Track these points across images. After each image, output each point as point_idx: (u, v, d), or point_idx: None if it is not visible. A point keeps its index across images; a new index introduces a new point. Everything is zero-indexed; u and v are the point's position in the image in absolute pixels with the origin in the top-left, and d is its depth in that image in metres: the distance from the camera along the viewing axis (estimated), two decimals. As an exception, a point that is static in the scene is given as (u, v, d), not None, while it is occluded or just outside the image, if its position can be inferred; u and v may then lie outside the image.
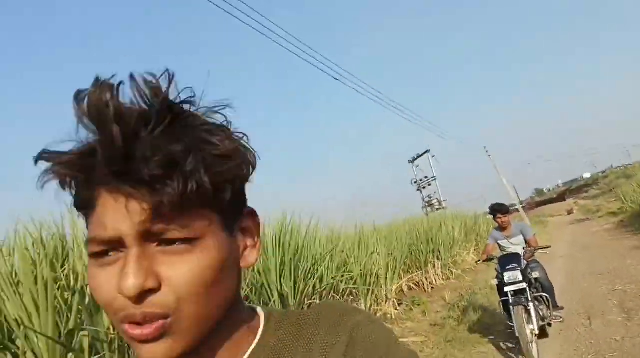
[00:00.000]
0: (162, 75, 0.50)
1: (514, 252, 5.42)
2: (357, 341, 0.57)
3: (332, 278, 6.13)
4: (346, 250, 7.51)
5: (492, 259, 5.54)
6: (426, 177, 31.28)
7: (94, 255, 0.50)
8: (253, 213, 0.61)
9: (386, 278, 8.41)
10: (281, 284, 4.96)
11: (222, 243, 0.53)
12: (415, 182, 31.87)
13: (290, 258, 5.13)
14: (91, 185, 0.49)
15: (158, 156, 0.45)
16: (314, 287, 5.57)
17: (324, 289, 5.87)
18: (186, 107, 0.53)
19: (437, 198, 30.51)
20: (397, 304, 8.34)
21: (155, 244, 0.48)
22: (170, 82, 0.50)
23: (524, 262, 5.08)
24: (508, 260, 5.13)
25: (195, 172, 0.47)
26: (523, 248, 5.48)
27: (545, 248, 5.44)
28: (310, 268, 5.51)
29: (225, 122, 0.56)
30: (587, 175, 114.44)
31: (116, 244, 0.48)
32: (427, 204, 30.74)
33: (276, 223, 5.65)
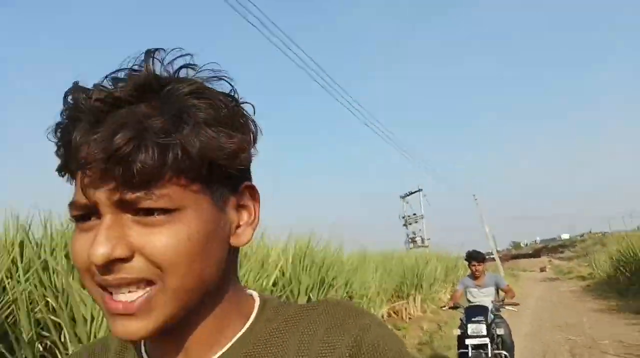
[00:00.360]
0: (152, 52, 0.51)
1: (481, 304, 5.38)
2: (363, 345, 0.51)
3: (346, 292, 7.42)
4: (351, 270, 8.77)
5: (459, 307, 5.49)
6: (414, 214, 32.65)
7: (75, 219, 0.50)
8: (252, 189, 0.57)
9: (375, 302, 9.65)
10: (310, 291, 6.22)
11: (207, 217, 0.50)
12: (403, 218, 33.18)
13: (319, 270, 6.41)
14: (72, 152, 0.48)
15: (125, 128, 0.44)
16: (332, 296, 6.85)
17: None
18: (185, 74, 0.52)
19: (420, 236, 31.82)
20: (381, 326, 9.57)
21: (131, 214, 0.47)
22: (152, 57, 0.51)
23: (490, 316, 5.06)
24: (474, 312, 5.08)
25: (174, 140, 0.46)
26: (492, 301, 5.45)
27: (514, 305, 5.44)
28: (332, 280, 6.80)
29: (232, 92, 0.54)
30: (565, 236, 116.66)
31: (94, 210, 0.47)
32: (410, 240, 32.02)
33: (302, 240, 6.93)
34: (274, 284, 5.84)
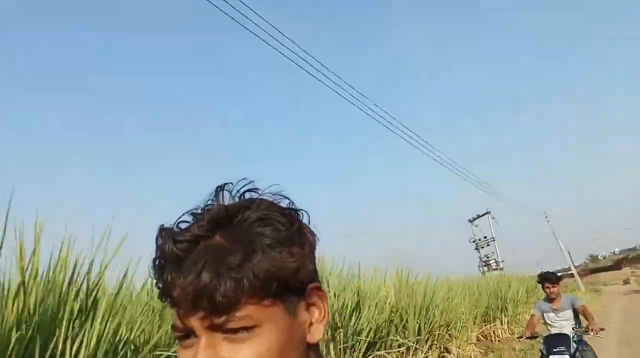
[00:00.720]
0: (222, 186, 0.63)
1: (561, 331, 5.03)
2: None
3: (444, 318, 8.43)
4: (444, 298, 9.72)
5: (537, 337, 5.11)
6: (485, 237, 32.60)
7: (178, 338, 0.59)
8: (318, 288, 0.64)
9: (467, 327, 10.44)
10: (418, 319, 7.29)
11: (281, 327, 0.57)
12: (474, 241, 33.13)
13: (422, 301, 7.49)
14: (166, 290, 0.58)
15: (207, 269, 0.54)
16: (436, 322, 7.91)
17: (441, 326, 8.16)
18: (250, 195, 0.63)
19: (494, 259, 31.70)
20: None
21: (221, 332, 0.55)
22: (222, 190, 0.62)
23: (573, 345, 4.69)
24: (555, 342, 4.72)
25: (247, 270, 0.55)
26: (572, 327, 5.09)
27: (598, 331, 4.87)
28: (434, 309, 7.85)
29: (289, 203, 0.64)
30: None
31: (190, 332, 0.57)
32: (484, 263, 31.91)
33: (401, 275, 8.04)
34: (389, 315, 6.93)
